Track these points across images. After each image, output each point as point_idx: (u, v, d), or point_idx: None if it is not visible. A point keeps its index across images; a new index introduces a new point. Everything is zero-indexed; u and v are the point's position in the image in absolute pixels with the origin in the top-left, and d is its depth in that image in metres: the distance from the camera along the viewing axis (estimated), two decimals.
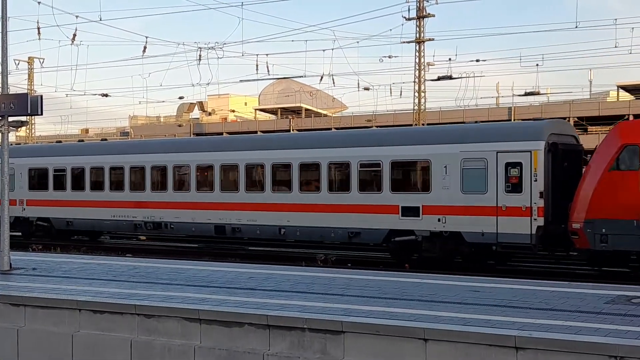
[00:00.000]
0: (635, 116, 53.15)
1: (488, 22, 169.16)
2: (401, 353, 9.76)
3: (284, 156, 24.54)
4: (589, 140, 42.23)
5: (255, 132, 58.84)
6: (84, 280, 14.59)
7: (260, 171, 25.02)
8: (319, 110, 71.35)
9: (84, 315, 12.08)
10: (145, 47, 42.00)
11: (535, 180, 19.92)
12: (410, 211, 21.80)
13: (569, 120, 41.31)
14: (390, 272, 16.64)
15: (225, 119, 75.51)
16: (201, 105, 78.31)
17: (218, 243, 30.20)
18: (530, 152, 20.08)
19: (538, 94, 55.58)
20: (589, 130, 53.13)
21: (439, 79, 47.89)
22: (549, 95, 61.54)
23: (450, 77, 47.54)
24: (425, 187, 21.71)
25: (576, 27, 43.94)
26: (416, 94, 47.67)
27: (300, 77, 58.56)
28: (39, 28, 42.73)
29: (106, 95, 55.49)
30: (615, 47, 41.94)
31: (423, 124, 45.85)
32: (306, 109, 70.56)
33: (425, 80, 47.49)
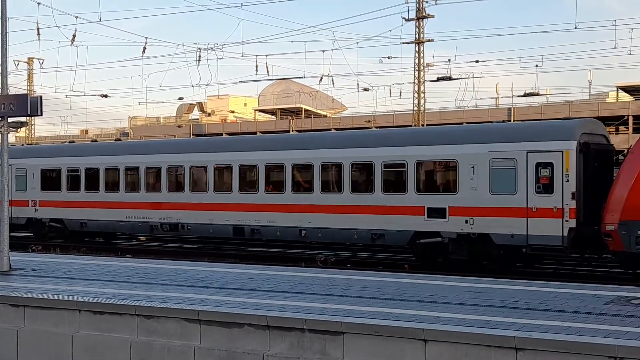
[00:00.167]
0: (635, 117, 53.21)
1: (487, 23, 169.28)
2: (401, 354, 9.77)
3: (304, 156, 24.05)
4: None
5: (255, 132, 58.88)
6: (84, 281, 14.60)
7: (280, 171, 24.54)
8: (319, 111, 71.36)
9: (83, 316, 12.08)
10: (144, 48, 42.04)
11: (567, 181, 19.46)
12: (437, 212, 21.35)
13: None
14: (389, 272, 16.65)
15: (225, 119, 75.54)
16: (201, 106, 78.35)
17: (218, 244, 30.22)
18: (562, 152, 19.62)
19: (537, 94, 55.62)
20: None
21: (438, 79, 47.89)
22: (548, 96, 61.63)
23: (449, 78, 47.54)
24: (452, 188, 21.26)
25: (575, 28, 44.07)
26: (416, 95, 47.68)
27: (299, 77, 58.50)
28: (38, 29, 42.73)
29: (106, 96, 55.55)
30: (615, 48, 42.04)
31: (422, 125, 45.85)
32: (306, 110, 70.58)
33: (424, 81, 47.49)
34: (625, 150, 20.22)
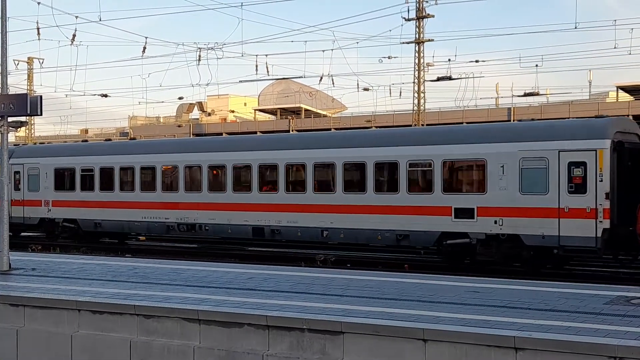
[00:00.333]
0: (635, 117, 53.16)
1: (487, 22, 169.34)
2: (401, 353, 9.76)
3: (326, 155, 23.63)
4: None
5: (255, 132, 58.81)
6: (84, 281, 14.59)
7: (301, 171, 24.17)
8: (319, 111, 71.33)
9: (83, 316, 12.08)
10: (144, 48, 42.01)
11: (601, 181, 19.02)
12: (464, 213, 20.93)
13: None
14: (389, 272, 16.64)
15: (225, 119, 75.50)
16: (201, 106, 78.31)
17: (218, 244, 30.21)
18: (596, 151, 19.18)
19: (537, 94, 55.57)
20: None
21: (438, 79, 47.89)
22: (548, 95, 61.60)
23: (449, 78, 47.54)
24: (481, 188, 20.84)
25: (575, 27, 44.07)
26: (416, 95, 47.68)
27: (299, 77, 58.54)
28: (38, 28, 42.74)
29: (106, 95, 55.51)
30: (615, 48, 41.96)
31: (422, 125, 45.85)
32: (306, 110, 70.54)
33: (424, 80, 47.49)
34: None
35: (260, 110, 76.92)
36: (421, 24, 46.20)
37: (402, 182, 22.07)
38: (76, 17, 57.25)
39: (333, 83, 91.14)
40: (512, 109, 55.56)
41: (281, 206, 24.31)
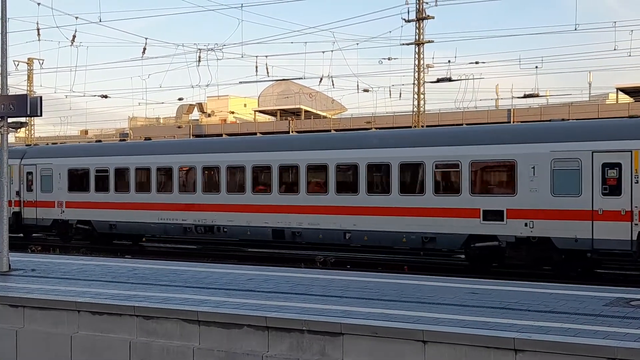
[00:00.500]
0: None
1: (487, 24, 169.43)
2: (400, 355, 9.76)
3: (349, 156, 23.17)
4: None
5: (255, 133, 58.84)
6: (83, 282, 14.59)
7: (322, 172, 23.66)
8: (319, 112, 71.36)
9: (82, 317, 12.08)
10: (144, 49, 42.03)
11: (637, 182, 18.59)
12: (493, 215, 20.49)
13: None
14: (389, 274, 16.65)
15: (225, 120, 75.52)
16: (200, 107, 78.35)
17: (217, 244, 30.22)
18: (631, 151, 18.72)
19: (537, 96, 55.59)
20: None
21: (438, 81, 47.86)
22: (548, 97, 61.63)
23: (449, 79, 47.53)
24: (510, 189, 20.39)
25: (575, 29, 44.32)
26: (415, 96, 47.70)
27: (299, 78, 58.41)
28: (38, 29, 42.72)
29: (105, 96, 55.50)
30: (615, 49, 41.99)
31: (422, 126, 45.85)
32: (305, 111, 70.56)
33: (424, 82, 47.49)
34: None
35: (260, 112, 76.93)
36: (421, 26, 46.22)
37: (428, 183, 21.65)
38: (76, 17, 57.52)
39: (333, 84, 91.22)
40: (512, 110, 55.60)
41: (302, 208, 23.89)
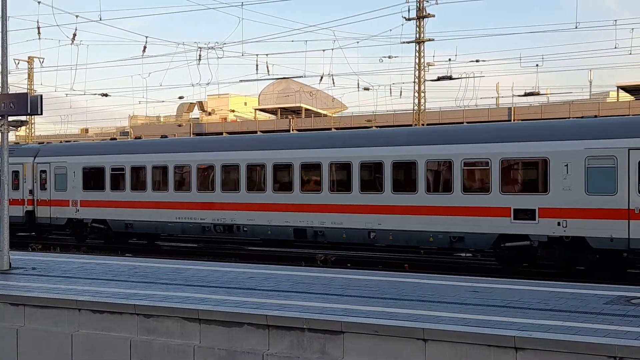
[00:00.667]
0: None
1: (488, 22, 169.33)
2: (401, 353, 9.76)
3: (374, 154, 22.67)
4: None
5: (255, 132, 58.82)
6: (84, 280, 14.59)
7: (346, 170, 23.17)
8: (319, 111, 71.37)
9: (83, 315, 12.08)
10: (145, 47, 42.10)
11: None
12: (525, 214, 20.04)
13: None
14: (389, 272, 16.64)
15: (225, 119, 75.53)
16: (201, 105, 78.35)
17: (218, 243, 30.21)
18: None
19: (538, 94, 55.55)
20: None
21: (438, 79, 47.89)
22: (548, 95, 61.60)
23: (450, 78, 47.52)
24: (543, 188, 19.89)
25: (576, 27, 44.01)
26: (416, 94, 47.69)
27: (300, 77, 58.66)
28: (39, 28, 42.79)
29: (106, 95, 55.52)
30: (615, 47, 41.90)
31: (423, 124, 45.83)
32: (306, 109, 70.57)
33: (425, 80, 47.51)
34: None
35: (261, 110, 76.95)
36: (422, 24, 46.21)
37: (457, 181, 21.20)
38: (76, 16, 57.41)
39: (333, 82, 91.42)
40: (512, 108, 55.58)
41: (325, 206, 23.41)
